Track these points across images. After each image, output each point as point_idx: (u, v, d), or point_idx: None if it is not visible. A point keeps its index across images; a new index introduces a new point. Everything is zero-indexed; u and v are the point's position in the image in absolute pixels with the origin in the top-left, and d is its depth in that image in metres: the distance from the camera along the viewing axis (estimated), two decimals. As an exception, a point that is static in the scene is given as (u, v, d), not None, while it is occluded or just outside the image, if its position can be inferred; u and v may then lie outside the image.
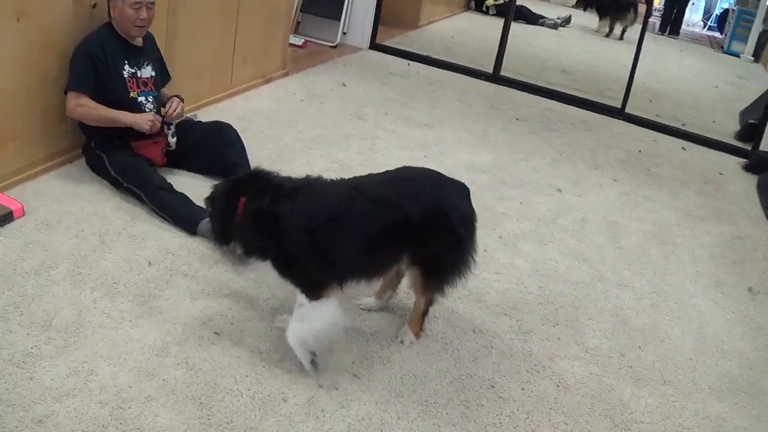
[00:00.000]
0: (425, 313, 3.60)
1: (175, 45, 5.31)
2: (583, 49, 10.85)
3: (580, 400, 3.44)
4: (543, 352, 3.73)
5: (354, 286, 3.43)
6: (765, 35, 11.88)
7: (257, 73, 6.66)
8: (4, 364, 3.04)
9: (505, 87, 8.13)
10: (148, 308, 3.53)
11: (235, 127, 4.91)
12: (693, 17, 14.62)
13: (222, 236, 3.42)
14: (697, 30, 14.28)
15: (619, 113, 7.76)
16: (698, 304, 4.44)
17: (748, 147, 7.43)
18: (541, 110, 7.51)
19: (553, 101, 7.87)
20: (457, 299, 4.01)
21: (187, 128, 4.80)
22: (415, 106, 6.96)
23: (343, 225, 3.17)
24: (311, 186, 3.29)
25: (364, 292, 3.87)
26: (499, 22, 8.69)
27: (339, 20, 8.56)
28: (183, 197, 4.35)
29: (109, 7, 4.41)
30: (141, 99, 4.54)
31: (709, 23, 14.34)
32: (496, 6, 11.54)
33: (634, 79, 7.88)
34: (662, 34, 12.32)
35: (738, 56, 12.05)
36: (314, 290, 3.20)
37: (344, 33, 8.67)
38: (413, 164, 4.80)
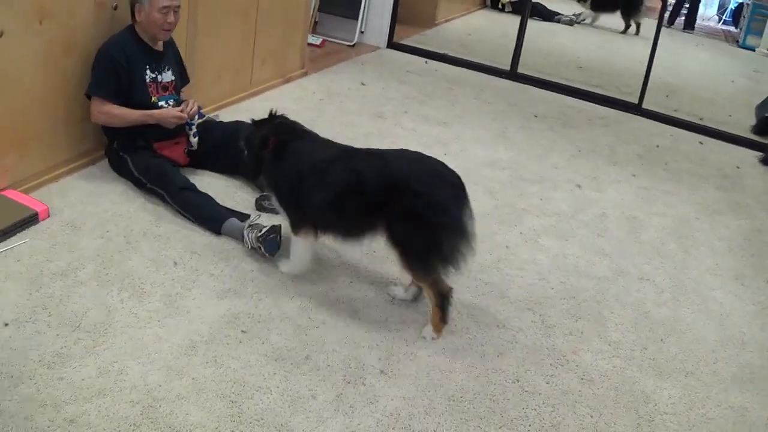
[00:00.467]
0: (438, 305, 3.65)
1: (195, 46, 5.36)
2: (599, 46, 10.85)
3: (604, 393, 3.49)
4: (566, 346, 3.78)
5: (330, 238, 3.89)
6: (780, 28, 11.88)
7: (276, 73, 6.71)
8: (35, 365, 3.09)
9: (522, 84, 8.15)
10: (175, 308, 3.58)
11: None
12: (707, 12, 14.59)
13: (254, 169, 4.00)
14: (711, 24, 14.25)
15: (636, 109, 7.77)
16: (718, 296, 4.48)
17: (765, 141, 7.43)
18: (559, 107, 7.54)
19: (570, 98, 7.90)
20: (480, 295, 4.07)
21: (209, 129, 4.85)
22: (434, 104, 7.01)
23: (319, 178, 3.67)
24: (318, 141, 3.92)
25: (395, 281, 4.01)
26: (515, 20, 8.70)
27: (357, 19, 8.62)
28: (207, 197, 4.40)
29: (133, 11, 4.44)
30: (162, 103, 4.59)
31: (723, 17, 14.31)
32: (511, 3, 11.55)
33: (651, 75, 7.88)
34: (668, 26, 12.26)
35: (753, 50, 12.02)
36: (294, 226, 3.87)
37: (362, 32, 8.71)
38: None
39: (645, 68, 7.93)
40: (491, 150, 6.10)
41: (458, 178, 3.66)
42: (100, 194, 4.43)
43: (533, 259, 4.52)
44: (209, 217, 4.28)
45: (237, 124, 4.91)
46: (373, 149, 3.89)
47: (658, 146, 6.82)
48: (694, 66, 10.50)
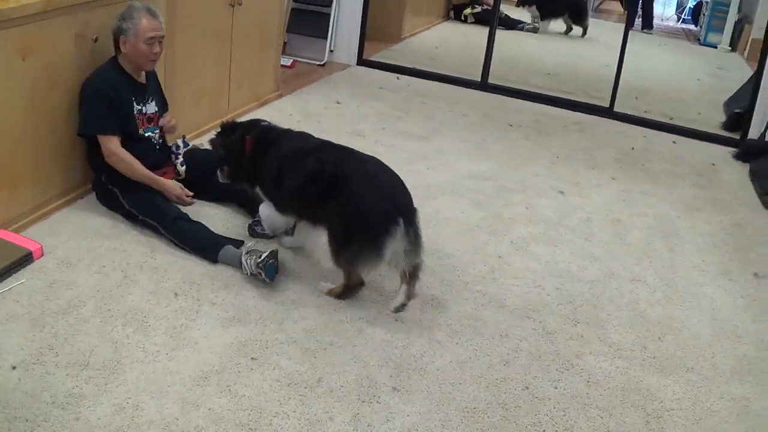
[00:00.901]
0: (344, 283, 4.06)
1: (174, 73, 5.37)
2: (562, 51, 10.95)
3: (611, 394, 3.55)
4: (569, 350, 3.84)
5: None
6: (740, 24, 12.00)
7: (252, 97, 6.74)
8: (48, 407, 3.08)
9: (494, 94, 8.21)
10: (182, 339, 3.58)
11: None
12: (666, 11, 14.74)
13: (236, 172, 4.39)
14: (671, 24, 14.39)
15: (608, 112, 7.86)
16: (708, 292, 4.56)
17: (737, 136, 7.54)
18: (533, 115, 7.61)
19: (542, 105, 7.97)
20: (479, 306, 4.12)
21: (194, 156, 4.87)
22: (410, 119, 7.05)
23: (290, 166, 4.12)
24: (295, 134, 4.35)
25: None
26: (479, 30, 8.79)
27: (325, 38, 8.62)
28: (200, 226, 4.40)
29: (117, 43, 4.43)
30: (149, 134, 4.61)
31: (683, 17, 14.46)
32: (474, 14, 11.63)
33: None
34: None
35: (715, 47, 12.16)
36: (279, 207, 4.28)
37: (331, 51, 8.73)
38: (418, 176, 5.26)
39: (612, 71, 8.01)
40: (472, 162, 6.15)
41: (406, 199, 4.00)
42: (91, 229, 4.41)
43: (526, 267, 4.58)
44: (205, 246, 4.29)
45: None
46: (350, 148, 4.28)
47: (633, 148, 6.92)
48: (659, 66, 10.62)
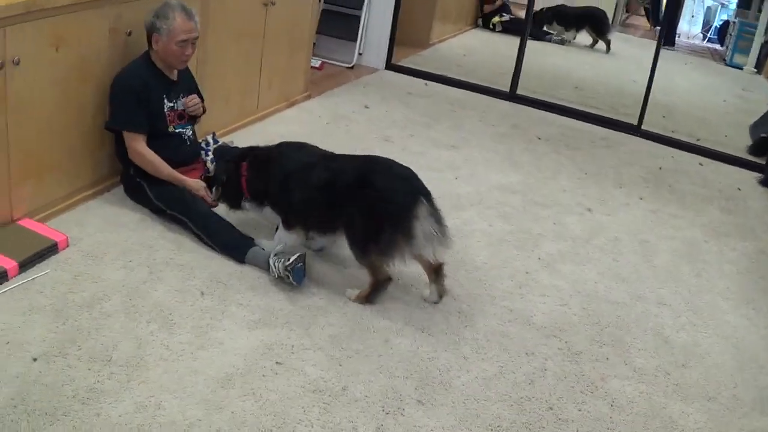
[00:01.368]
0: (372, 284, 4.05)
1: (206, 71, 5.38)
2: (591, 65, 10.90)
3: (634, 419, 3.53)
4: (594, 372, 3.82)
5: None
6: (766, 47, 11.94)
7: (281, 97, 6.73)
8: (69, 401, 3.07)
9: (522, 105, 8.18)
10: (207, 339, 3.58)
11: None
12: (692, 29, 14.68)
13: (234, 199, 4.40)
14: (696, 42, 14.33)
15: (636, 130, 7.81)
16: (732, 320, 4.53)
17: (762, 161, 7.49)
18: (561, 128, 7.57)
19: (570, 119, 7.94)
20: (506, 322, 4.11)
21: (224, 153, 4.82)
22: (439, 127, 7.03)
23: (300, 178, 4.11)
24: (297, 148, 4.37)
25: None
26: (506, 39, 8.74)
27: (355, 41, 8.62)
28: (228, 225, 4.39)
29: (150, 40, 4.44)
30: (179, 130, 4.60)
31: (709, 35, 14.40)
32: (502, 23, 11.60)
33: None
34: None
35: (741, 68, 12.09)
36: (287, 224, 4.22)
37: (360, 54, 8.72)
38: (446, 186, 5.36)
39: (639, 87, 7.98)
40: (501, 173, 6.13)
41: (420, 183, 4.03)
42: (118, 223, 4.42)
43: (554, 285, 4.56)
44: (233, 245, 4.28)
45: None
46: (352, 155, 4.36)
47: (660, 168, 6.87)
48: (685, 84, 10.57)
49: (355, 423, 3.21)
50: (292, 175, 4.15)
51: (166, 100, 4.52)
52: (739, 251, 5.45)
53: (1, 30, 3.74)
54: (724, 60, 12.53)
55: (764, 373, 4.06)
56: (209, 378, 3.33)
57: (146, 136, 4.43)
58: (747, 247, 5.53)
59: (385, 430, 3.20)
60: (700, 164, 7.25)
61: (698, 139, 7.84)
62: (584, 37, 11.58)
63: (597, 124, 7.90)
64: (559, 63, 10.52)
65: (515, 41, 8.60)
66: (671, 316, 4.46)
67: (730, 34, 12.66)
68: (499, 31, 11.57)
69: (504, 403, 3.49)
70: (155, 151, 4.45)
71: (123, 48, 4.56)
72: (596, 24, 11.47)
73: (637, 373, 3.88)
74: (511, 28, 11.15)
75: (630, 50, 11.58)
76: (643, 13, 13.72)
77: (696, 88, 10.68)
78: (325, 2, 8.14)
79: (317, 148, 4.38)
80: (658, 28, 12.33)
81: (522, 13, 9.15)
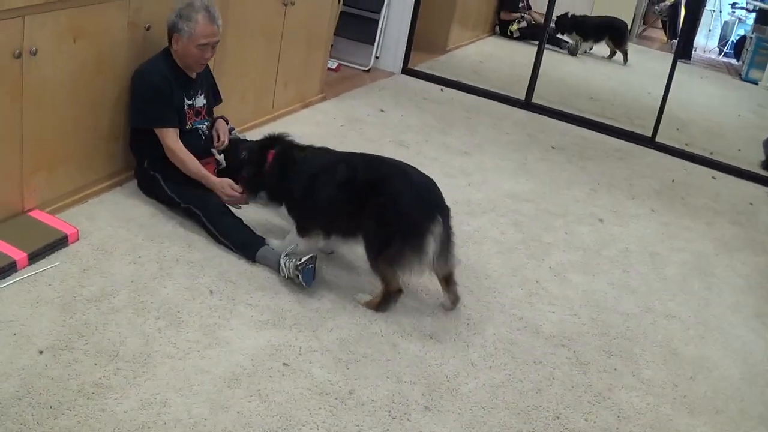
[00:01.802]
0: (383, 293, 4.01)
1: (223, 68, 5.37)
2: (607, 76, 10.89)
3: (640, 430, 3.52)
4: (602, 383, 3.80)
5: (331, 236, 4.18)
6: (783, 63, 11.92)
7: (297, 97, 6.73)
8: (74, 395, 3.06)
9: (537, 114, 8.17)
10: (215, 338, 3.57)
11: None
12: (709, 43, 14.65)
13: (252, 184, 4.31)
14: (713, 56, 14.30)
15: (650, 142, 7.80)
16: (741, 334, 4.51)
17: (775, 176, 7.49)
18: (575, 138, 7.56)
19: (585, 129, 7.91)
20: (515, 330, 4.10)
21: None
22: (454, 133, 7.01)
23: (327, 177, 4.07)
24: (318, 149, 4.29)
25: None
26: (524, 47, 8.71)
27: (372, 44, 8.61)
28: (241, 222, 4.38)
29: (170, 38, 4.43)
30: (197, 126, 4.60)
31: (725, 50, 14.36)
32: (519, 29, 11.57)
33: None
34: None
35: (756, 84, 12.05)
36: (303, 229, 4.17)
37: (377, 57, 8.71)
38: (459, 192, 5.34)
39: (654, 99, 7.97)
40: (513, 181, 6.11)
41: (440, 198, 4.02)
42: (129, 218, 4.41)
43: (563, 294, 4.54)
44: (246, 243, 4.27)
45: None
46: (375, 155, 4.37)
47: (673, 181, 6.86)
48: (700, 98, 10.55)
49: (361, 427, 3.20)
50: (317, 176, 4.12)
51: (185, 98, 4.51)
52: (750, 265, 5.43)
53: (20, 19, 3.73)
54: (740, 75, 12.50)
55: (772, 388, 4.04)
56: (216, 377, 3.32)
57: (178, 130, 4.42)
58: (758, 262, 5.52)
59: (390, 435, 3.19)
60: (713, 178, 7.23)
61: (712, 153, 7.81)
62: (600, 48, 11.56)
63: (611, 135, 7.88)
64: (576, 73, 10.52)
65: (532, 50, 8.59)
66: (680, 328, 4.44)
67: (747, 49, 12.63)
68: (516, 38, 11.54)
69: (511, 411, 3.48)
70: None
71: (141, 42, 4.56)
72: (616, 34, 11.44)
73: (645, 384, 3.87)
74: (527, 34, 11.14)
75: (646, 62, 11.56)
76: (660, 25, 13.68)
77: (711, 102, 10.66)
78: (344, 4, 8.13)
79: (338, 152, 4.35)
80: (675, 41, 12.30)
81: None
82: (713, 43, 14.55)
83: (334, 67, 8.20)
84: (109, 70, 4.41)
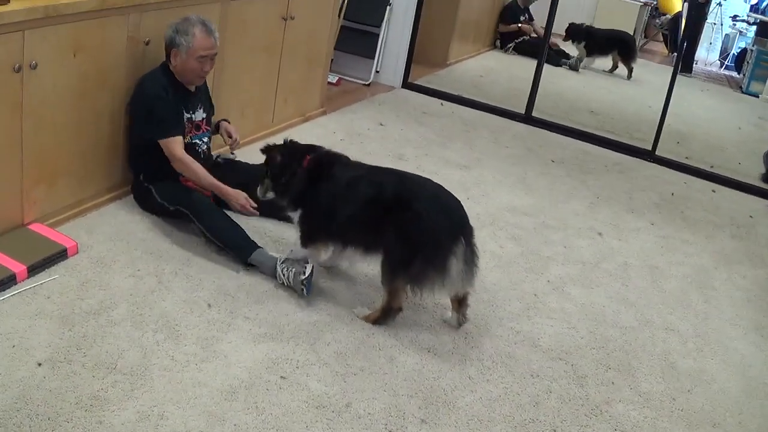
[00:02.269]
0: (383, 309, 4.00)
1: (222, 82, 5.40)
2: (607, 89, 10.90)
3: (638, 445, 3.50)
4: (599, 396, 3.81)
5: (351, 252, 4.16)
6: (784, 76, 11.93)
7: (297, 112, 6.74)
8: (72, 407, 3.08)
9: (537, 128, 8.17)
10: (212, 351, 3.58)
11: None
12: (710, 56, 14.66)
13: (283, 186, 4.19)
14: (714, 69, 14.31)
15: (650, 156, 7.80)
16: (740, 347, 4.51)
17: (775, 190, 7.49)
18: (575, 152, 7.56)
19: (585, 143, 7.92)
20: (512, 344, 4.10)
21: (227, 169, 4.82)
22: (453, 146, 7.02)
23: (351, 192, 4.02)
24: (348, 162, 4.24)
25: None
26: (523, 61, 8.69)
27: (372, 58, 8.63)
28: (235, 223, 4.38)
29: (169, 54, 4.44)
30: (195, 141, 4.61)
31: (726, 63, 14.38)
32: (516, 45, 11.56)
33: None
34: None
35: (757, 96, 12.05)
36: (307, 239, 4.17)
37: (377, 71, 8.72)
38: None
39: (655, 113, 7.97)
40: (513, 195, 6.13)
41: (465, 219, 3.98)
42: (128, 231, 4.43)
43: (562, 308, 4.55)
44: (240, 244, 4.29)
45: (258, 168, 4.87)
46: (400, 171, 4.25)
47: (673, 194, 6.86)
48: (701, 112, 10.55)
49: (357, 440, 3.21)
50: (347, 185, 4.07)
51: (185, 111, 4.53)
52: (749, 279, 5.43)
53: (20, 33, 3.76)
54: (741, 88, 12.51)
55: (771, 401, 4.04)
56: (213, 390, 3.34)
57: (183, 139, 4.44)
58: (757, 275, 5.52)
59: (387, 447, 3.19)
60: (713, 191, 7.23)
61: (712, 166, 7.82)
62: (600, 62, 11.55)
63: (611, 149, 7.89)
64: (575, 87, 10.52)
65: (532, 64, 8.59)
66: (679, 341, 4.44)
67: (748, 62, 12.65)
68: (512, 54, 11.52)
69: (508, 424, 3.48)
70: None
71: (141, 57, 4.58)
72: (624, 49, 11.42)
73: (643, 397, 3.87)
74: (522, 49, 11.16)
75: (647, 76, 11.55)
76: (661, 39, 13.69)
77: (712, 115, 10.66)
78: (344, 19, 8.16)
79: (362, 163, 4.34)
80: (676, 54, 12.32)
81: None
82: (714, 56, 14.56)
83: (334, 81, 8.22)
84: (109, 84, 4.44)
